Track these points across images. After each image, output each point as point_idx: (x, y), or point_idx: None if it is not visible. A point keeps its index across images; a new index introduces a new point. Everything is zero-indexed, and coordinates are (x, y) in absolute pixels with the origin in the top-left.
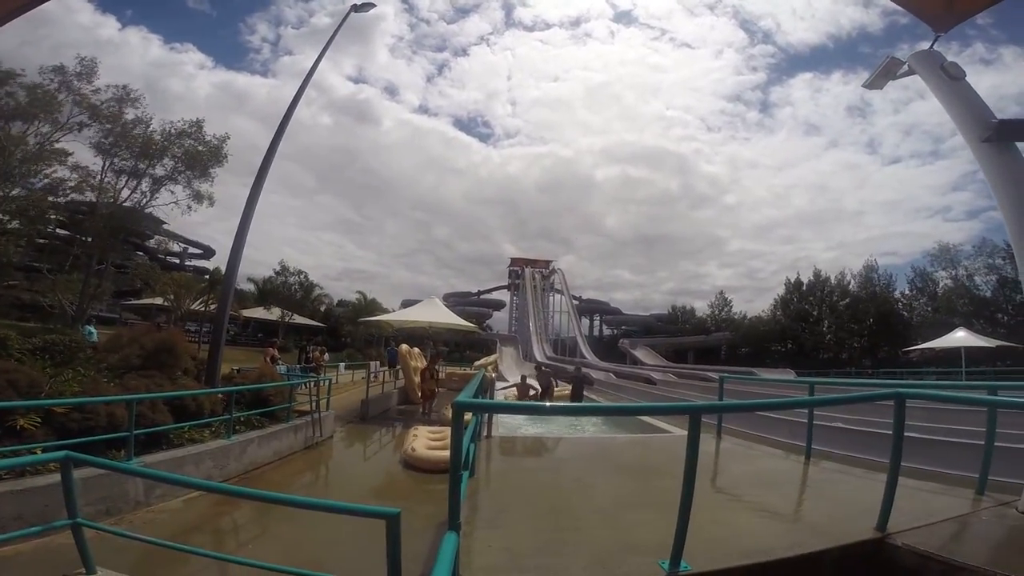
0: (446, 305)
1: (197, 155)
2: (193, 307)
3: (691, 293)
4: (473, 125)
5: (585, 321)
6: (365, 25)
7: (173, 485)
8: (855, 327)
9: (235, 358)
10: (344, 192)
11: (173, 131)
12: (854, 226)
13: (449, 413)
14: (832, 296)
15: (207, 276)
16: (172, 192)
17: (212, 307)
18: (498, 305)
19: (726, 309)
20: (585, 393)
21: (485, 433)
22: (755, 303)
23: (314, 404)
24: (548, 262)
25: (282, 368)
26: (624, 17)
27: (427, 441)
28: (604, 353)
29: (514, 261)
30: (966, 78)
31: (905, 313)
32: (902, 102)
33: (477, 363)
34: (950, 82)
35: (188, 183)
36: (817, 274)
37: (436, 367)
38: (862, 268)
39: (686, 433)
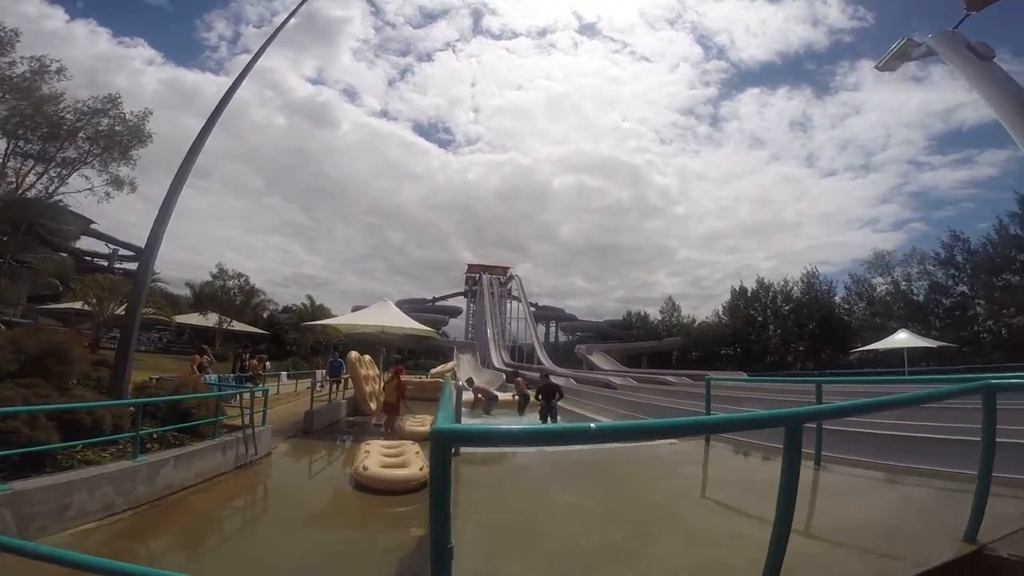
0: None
1: (114, 135)
2: (119, 312)
3: (641, 301)
4: (433, 131)
5: (541, 327)
6: (330, 26)
7: None
8: (798, 331)
9: (164, 367)
10: (294, 195)
11: (86, 108)
12: (793, 236)
13: (407, 425)
14: (776, 301)
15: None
16: (86, 178)
17: (145, 312)
18: (454, 312)
19: (676, 315)
20: (558, 404)
21: (452, 451)
22: (700, 310)
23: (248, 418)
24: (506, 269)
25: (212, 378)
26: (588, 29)
27: (381, 458)
28: (560, 359)
29: (471, 268)
30: (995, 58)
31: (845, 317)
32: (839, 117)
33: (433, 371)
34: (979, 62)
35: (104, 166)
36: (761, 281)
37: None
38: (803, 275)
39: (681, 442)
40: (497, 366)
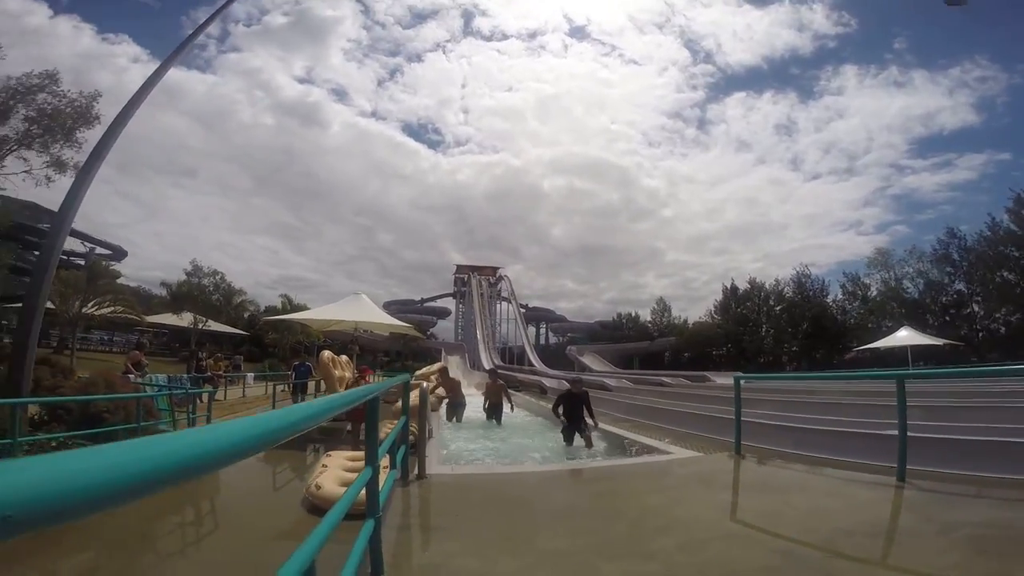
0: (387, 312)
1: (57, 114)
2: (87, 310)
3: (631, 302)
4: (423, 131)
5: (532, 329)
6: (322, 26)
7: None
8: (791, 331)
9: (120, 366)
10: (282, 195)
11: (20, 87)
12: (779, 238)
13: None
14: (768, 301)
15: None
16: (25, 160)
17: (111, 310)
18: (443, 313)
19: (667, 316)
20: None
21: (416, 472)
22: (690, 311)
23: (189, 424)
24: (495, 269)
25: (158, 378)
26: (578, 32)
27: (340, 473)
28: (551, 360)
29: (460, 268)
30: None
31: (839, 317)
32: (823, 121)
33: (418, 373)
34: None
35: (45, 148)
36: (752, 280)
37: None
38: (793, 275)
39: (695, 454)
40: (487, 367)
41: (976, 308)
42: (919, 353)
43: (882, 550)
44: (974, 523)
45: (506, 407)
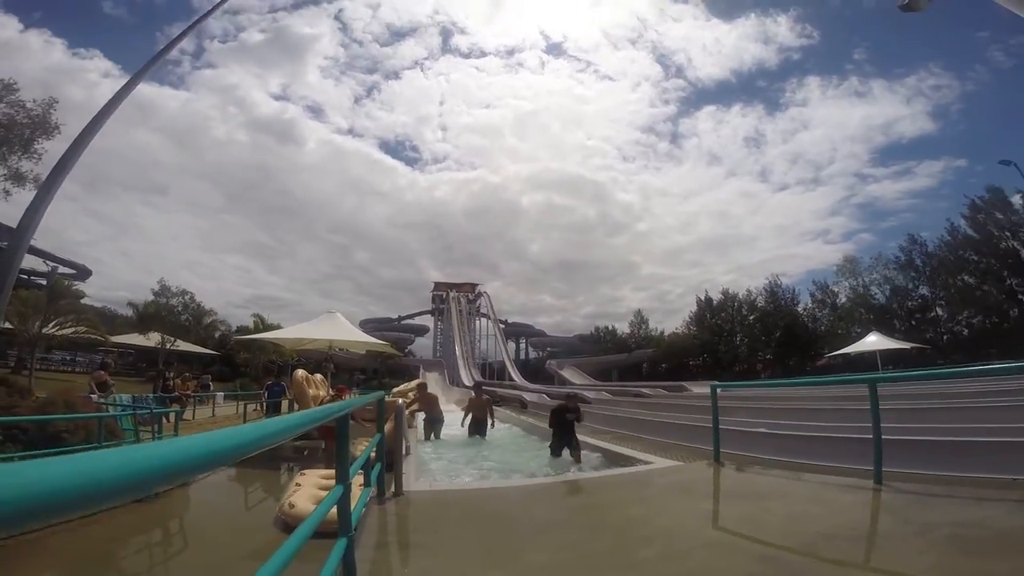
0: (363, 331)
1: (12, 124)
2: (48, 331)
3: (609, 316)
4: (400, 149)
5: (511, 344)
6: (299, 44)
7: None
8: (765, 339)
9: (82, 386)
10: (255, 213)
11: None
12: (750, 249)
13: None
14: (742, 311)
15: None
16: None
17: (72, 331)
18: (421, 330)
19: (644, 328)
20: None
21: (392, 489)
22: (666, 323)
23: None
24: (474, 286)
25: (123, 398)
26: (555, 49)
27: (314, 492)
28: (531, 375)
29: (438, 286)
30: None
31: (810, 324)
32: (789, 132)
33: (396, 390)
34: None
35: (2, 160)
36: (726, 291)
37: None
38: (766, 284)
39: (675, 463)
40: (467, 384)
41: (940, 312)
42: (888, 357)
43: (862, 553)
44: (951, 523)
45: (488, 422)
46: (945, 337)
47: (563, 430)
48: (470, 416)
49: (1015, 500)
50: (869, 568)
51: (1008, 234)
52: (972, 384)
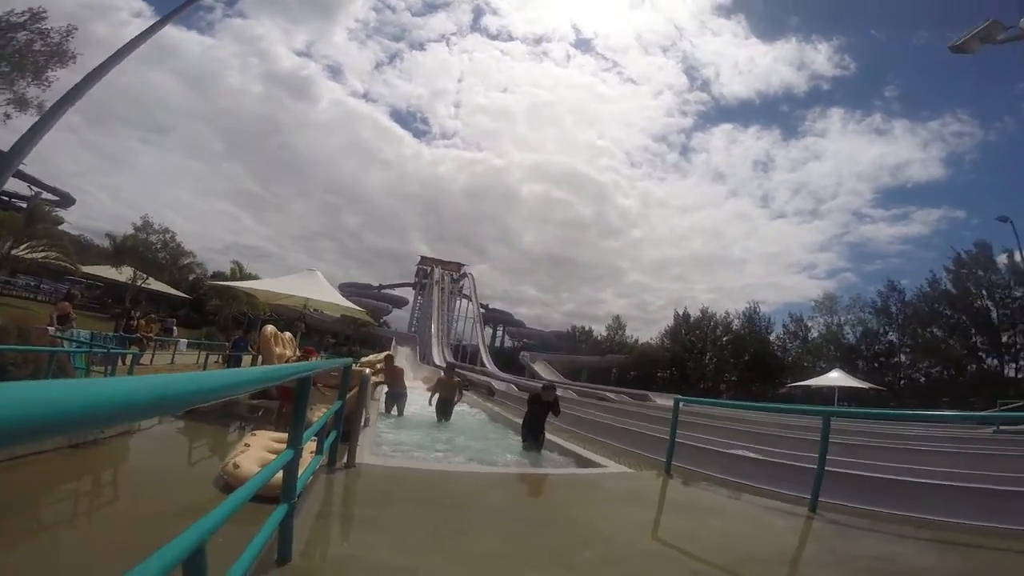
0: (341, 294)
1: (28, 51)
2: (18, 253)
3: (587, 317)
4: (411, 119)
5: (488, 330)
6: (333, 3)
7: None
8: (733, 361)
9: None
10: (255, 163)
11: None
12: (736, 272)
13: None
14: (716, 331)
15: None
16: None
17: (43, 255)
18: (399, 302)
19: (620, 334)
20: (549, 425)
21: (344, 460)
22: (642, 332)
23: None
24: (460, 266)
25: (80, 333)
26: (584, 44)
27: (263, 454)
28: (502, 365)
29: (424, 260)
30: None
31: (779, 354)
32: (800, 161)
33: (364, 359)
34: None
35: (8, 85)
36: (705, 310)
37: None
38: (745, 310)
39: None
40: (437, 363)
41: (903, 358)
42: (845, 394)
43: None
44: (866, 556)
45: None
46: (903, 382)
47: (535, 420)
48: (436, 396)
49: (926, 539)
50: None
51: (984, 292)
52: (917, 428)
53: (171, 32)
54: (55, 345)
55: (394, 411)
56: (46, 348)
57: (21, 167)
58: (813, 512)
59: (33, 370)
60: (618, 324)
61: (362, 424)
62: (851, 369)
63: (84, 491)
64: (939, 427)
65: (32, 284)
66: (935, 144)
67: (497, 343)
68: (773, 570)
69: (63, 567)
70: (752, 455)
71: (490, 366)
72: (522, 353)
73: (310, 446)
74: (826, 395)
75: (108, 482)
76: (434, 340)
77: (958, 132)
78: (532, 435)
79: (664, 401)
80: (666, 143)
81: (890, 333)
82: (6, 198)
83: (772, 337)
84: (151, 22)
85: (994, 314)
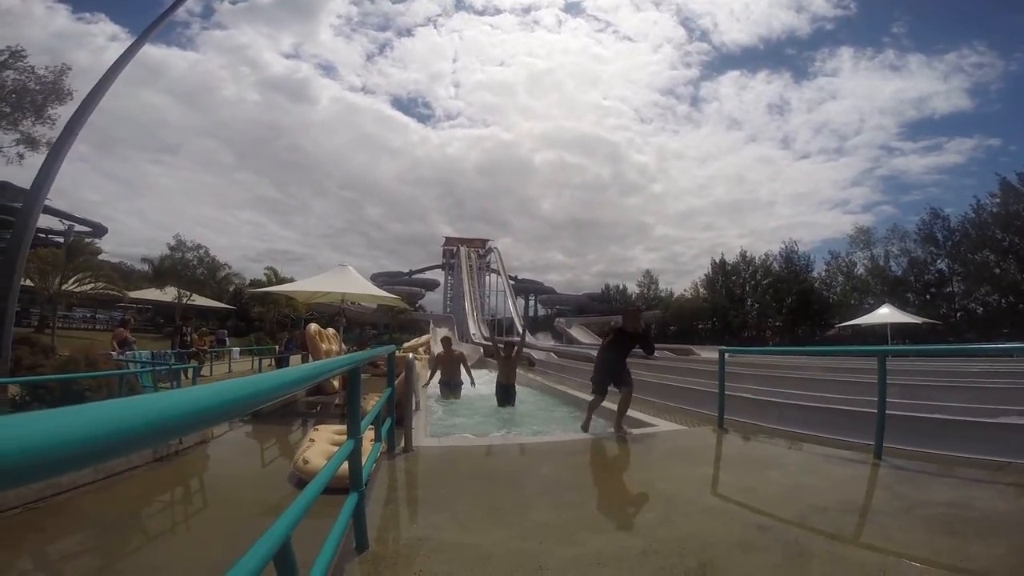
0: (374, 284)
1: (24, 91)
2: (68, 287)
3: (619, 275)
4: (413, 106)
5: (520, 301)
6: (311, 3)
7: None
8: (776, 306)
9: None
10: (267, 170)
11: None
12: (766, 215)
13: (370, 403)
14: (756, 275)
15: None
16: None
17: (92, 287)
18: (431, 285)
19: (654, 288)
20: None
21: (402, 445)
22: (676, 285)
23: None
24: (484, 241)
25: (142, 354)
26: (573, 7)
27: (327, 447)
28: (539, 332)
29: (449, 240)
30: None
31: (824, 292)
32: (816, 102)
33: (406, 345)
34: None
35: (13, 125)
36: (743, 254)
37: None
38: (782, 250)
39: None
40: (476, 340)
41: (956, 287)
42: (898, 331)
43: (852, 527)
44: (938, 502)
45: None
46: (959, 314)
47: (618, 362)
48: (496, 376)
49: (1005, 484)
50: (855, 542)
51: None
52: (980, 363)
53: (152, 51)
54: (120, 368)
55: (452, 398)
56: (115, 372)
57: (48, 202)
58: (878, 458)
59: (107, 393)
60: (650, 279)
61: (413, 408)
62: (901, 303)
63: (175, 500)
64: (1004, 361)
65: (88, 316)
66: (955, 76)
67: (530, 312)
68: (840, 519)
69: (168, 570)
70: (807, 403)
71: (529, 337)
72: (557, 320)
73: (369, 434)
74: (879, 333)
75: (195, 489)
76: (469, 318)
77: (978, 63)
78: (615, 380)
79: (708, 354)
80: (674, 96)
81: (939, 261)
82: (42, 235)
83: (814, 275)
84: (127, 44)
85: None
